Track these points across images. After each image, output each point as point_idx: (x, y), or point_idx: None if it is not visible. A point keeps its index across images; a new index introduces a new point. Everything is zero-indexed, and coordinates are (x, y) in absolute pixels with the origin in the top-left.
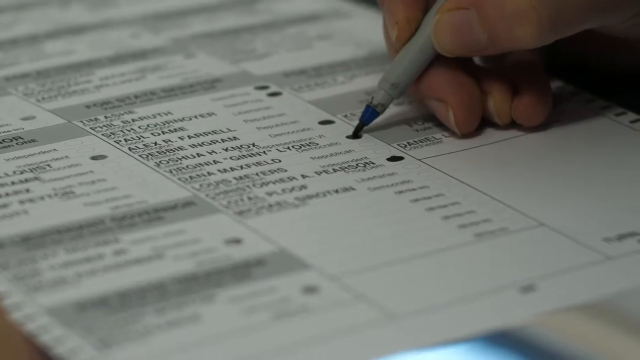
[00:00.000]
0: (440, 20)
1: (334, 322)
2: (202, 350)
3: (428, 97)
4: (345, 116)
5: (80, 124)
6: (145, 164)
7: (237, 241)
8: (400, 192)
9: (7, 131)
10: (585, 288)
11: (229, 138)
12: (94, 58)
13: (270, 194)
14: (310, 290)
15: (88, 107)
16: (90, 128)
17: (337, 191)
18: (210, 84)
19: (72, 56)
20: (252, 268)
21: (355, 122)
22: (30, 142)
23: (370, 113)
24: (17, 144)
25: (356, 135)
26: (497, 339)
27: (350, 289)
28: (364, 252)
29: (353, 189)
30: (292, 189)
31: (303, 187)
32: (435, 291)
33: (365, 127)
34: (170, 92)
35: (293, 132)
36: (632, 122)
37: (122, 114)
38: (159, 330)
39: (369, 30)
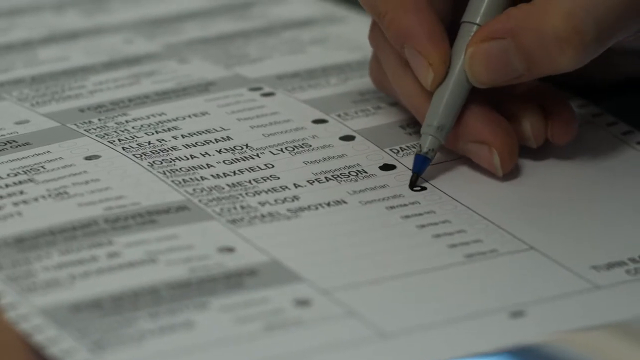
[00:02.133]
0: (475, 53)
1: (324, 336)
2: (194, 357)
3: (465, 141)
4: (339, 116)
5: (74, 127)
6: (139, 164)
7: (229, 250)
8: (392, 207)
9: (1, 135)
10: (574, 317)
11: (222, 138)
12: (88, 64)
13: (262, 204)
14: (302, 303)
15: (82, 110)
16: (84, 130)
17: (329, 204)
18: (204, 87)
19: (66, 62)
20: (245, 277)
21: (349, 123)
22: (24, 145)
23: (422, 161)
24: (10, 147)
25: (413, 186)
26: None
27: (341, 304)
28: (355, 268)
29: (345, 202)
30: (285, 200)
31: (295, 198)
32: (426, 311)
33: (357, 130)
34: (163, 96)
35: (286, 131)
36: (624, 133)
37: (116, 116)
38: (152, 335)
39: (362, 35)
